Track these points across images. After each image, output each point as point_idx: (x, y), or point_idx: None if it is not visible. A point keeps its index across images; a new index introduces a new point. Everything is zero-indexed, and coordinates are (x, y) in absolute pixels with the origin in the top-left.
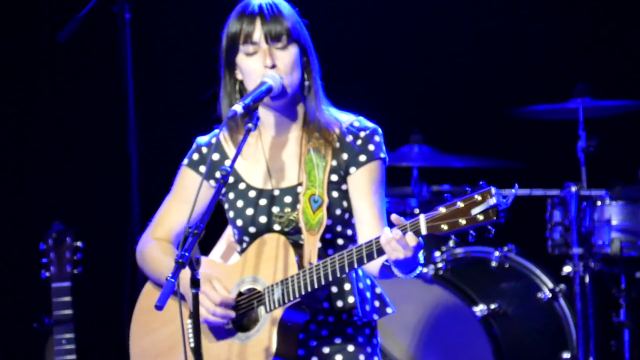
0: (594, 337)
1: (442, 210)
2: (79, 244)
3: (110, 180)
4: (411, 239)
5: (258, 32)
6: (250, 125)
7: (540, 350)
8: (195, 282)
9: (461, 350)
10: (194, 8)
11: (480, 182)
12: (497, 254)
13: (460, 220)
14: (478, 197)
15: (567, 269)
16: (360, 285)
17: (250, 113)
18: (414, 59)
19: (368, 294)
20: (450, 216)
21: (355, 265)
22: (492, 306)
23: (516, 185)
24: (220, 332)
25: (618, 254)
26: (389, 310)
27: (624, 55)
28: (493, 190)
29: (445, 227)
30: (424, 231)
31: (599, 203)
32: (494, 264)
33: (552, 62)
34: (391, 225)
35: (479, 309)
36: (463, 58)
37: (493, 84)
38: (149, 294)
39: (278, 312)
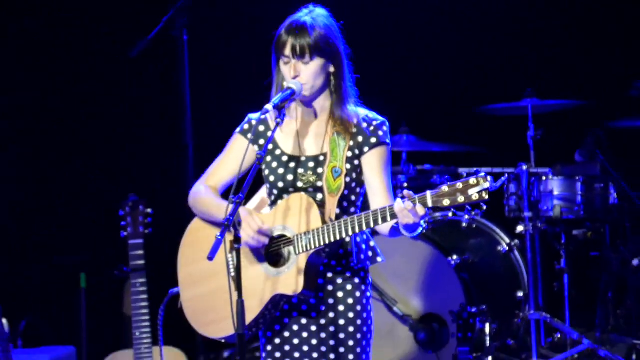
0: (541, 280)
1: (444, 188)
2: (149, 210)
3: (173, 163)
4: (420, 209)
5: (288, 48)
6: (278, 120)
7: (499, 291)
8: (237, 240)
9: (439, 291)
10: (241, 27)
11: (476, 169)
12: (466, 217)
13: (459, 198)
14: (474, 181)
15: (520, 228)
16: (358, 238)
17: (279, 110)
18: (402, 66)
19: (363, 246)
20: (451, 194)
21: (372, 225)
22: (463, 257)
23: (505, 175)
24: (256, 269)
25: (559, 217)
26: (379, 259)
27: (563, 65)
28: (488, 177)
29: (446, 202)
30: (429, 204)
31: (544, 178)
32: (464, 224)
33: (508, 71)
34: (402, 197)
35: (453, 259)
36: (441, 66)
37: (464, 87)
38: (193, 232)
39: (305, 256)
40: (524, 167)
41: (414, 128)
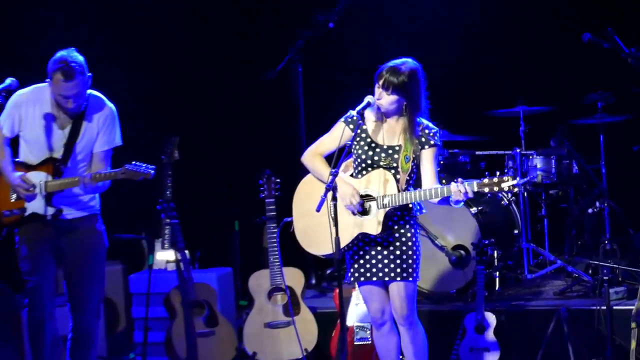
0: (530, 223)
1: (486, 181)
2: (278, 180)
3: (291, 149)
4: (470, 192)
5: (381, 80)
6: (360, 122)
7: (503, 229)
8: (335, 198)
9: (464, 230)
10: (338, 62)
11: (507, 171)
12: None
13: (495, 188)
14: (507, 178)
15: (515, 189)
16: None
17: (361, 115)
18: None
19: (417, 204)
20: (490, 185)
21: (433, 197)
22: (479, 208)
23: (527, 177)
24: (348, 215)
25: (540, 182)
26: (424, 211)
27: (542, 83)
28: (517, 178)
29: (486, 189)
30: (475, 189)
31: (530, 157)
32: None
33: (507, 85)
34: (456, 181)
35: (473, 209)
36: (461, 84)
37: (477, 97)
38: (305, 182)
39: (383, 211)
40: (517, 150)
41: (445, 124)
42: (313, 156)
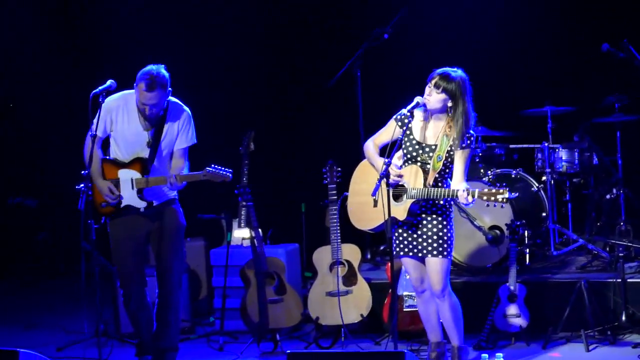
0: (555, 206)
1: (485, 190)
2: (339, 169)
3: (351, 141)
4: (470, 198)
5: (433, 81)
6: (408, 120)
7: (532, 212)
8: (388, 183)
9: (499, 212)
10: (389, 69)
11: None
12: (514, 171)
13: (492, 198)
14: (503, 191)
15: (543, 178)
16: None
17: (411, 113)
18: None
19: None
20: (488, 195)
21: (445, 196)
22: (513, 193)
23: (516, 193)
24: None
25: (565, 172)
26: (471, 206)
27: (567, 86)
28: (508, 192)
29: (484, 198)
30: (476, 196)
31: (556, 150)
32: (512, 175)
33: (538, 87)
34: (464, 190)
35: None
36: (499, 87)
37: (510, 98)
38: (361, 166)
39: (410, 201)
40: (546, 144)
41: (484, 122)
42: (371, 145)
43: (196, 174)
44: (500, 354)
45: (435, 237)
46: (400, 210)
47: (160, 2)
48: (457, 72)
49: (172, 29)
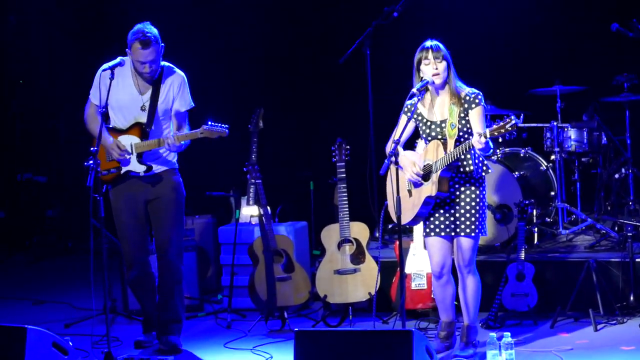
0: (564, 185)
1: (494, 127)
2: (347, 147)
3: (360, 122)
4: (483, 139)
5: (431, 54)
6: (419, 97)
7: (541, 191)
8: (397, 170)
9: (508, 191)
10: (396, 45)
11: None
12: (522, 150)
13: (502, 130)
14: (508, 120)
15: (552, 157)
16: (476, 161)
17: (421, 93)
18: (485, 63)
19: (480, 163)
20: (499, 129)
21: (465, 152)
22: (521, 172)
23: (522, 115)
24: (416, 183)
25: (574, 151)
26: (489, 171)
27: (576, 65)
28: (514, 119)
29: (496, 133)
30: (488, 135)
31: (565, 129)
32: (521, 155)
33: (547, 67)
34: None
35: (515, 173)
36: (509, 67)
37: (520, 77)
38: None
39: (437, 174)
40: (555, 123)
41: (494, 101)
42: (389, 144)
43: (193, 132)
44: (508, 333)
45: (469, 214)
46: (429, 187)
47: None
48: (437, 40)
49: (185, 8)
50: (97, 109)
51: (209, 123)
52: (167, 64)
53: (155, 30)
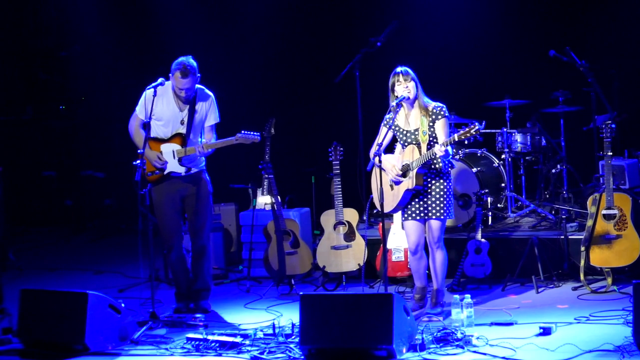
0: (512, 178)
1: (460, 132)
2: (341, 149)
3: (350, 130)
4: (442, 148)
5: (401, 77)
6: (396, 111)
7: (494, 183)
8: (380, 171)
9: (468, 183)
10: (378, 68)
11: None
12: (479, 151)
13: (468, 135)
14: (472, 126)
15: (503, 156)
16: (445, 160)
17: (398, 106)
18: (448, 78)
19: (446, 162)
20: (464, 134)
21: (431, 157)
22: (479, 168)
23: (483, 122)
24: (396, 181)
25: (520, 151)
26: (454, 167)
27: (520, 82)
28: (478, 125)
29: (463, 137)
30: (456, 139)
31: (514, 134)
32: (478, 154)
33: (497, 83)
34: (439, 144)
35: (474, 169)
36: (464, 83)
37: (474, 92)
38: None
39: (415, 170)
40: (505, 129)
41: (457, 111)
42: (373, 149)
43: (229, 140)
44: (468, 295)
45: (438, 202)
46: (408, 182)
47: (199, 8)
48: (405, 67)
49: (209, 38)
50: (141, 121)
51: (243, 132)
52: (199, 86)
53: (194, 63)
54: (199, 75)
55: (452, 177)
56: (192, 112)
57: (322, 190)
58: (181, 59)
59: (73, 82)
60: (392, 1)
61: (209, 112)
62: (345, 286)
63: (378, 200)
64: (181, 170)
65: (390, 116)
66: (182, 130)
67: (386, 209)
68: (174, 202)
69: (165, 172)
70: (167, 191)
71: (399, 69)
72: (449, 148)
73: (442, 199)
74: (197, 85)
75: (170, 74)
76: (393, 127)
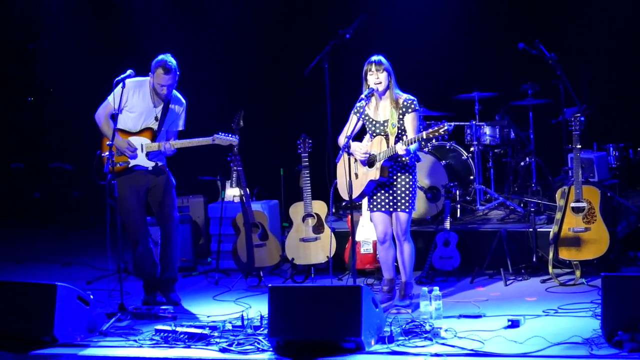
0: (481, 171)
1: (429, 130)
2: (310, 141)
3: (320, 122)
4: (403, 146)
5: (373, 66)
6: (367, 101)
7: (463, 176)
8: (349, 159)
9: (436, 176)
10: (346, 61)
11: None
12: (448, 143)
13: (436, 134)
14: (441, 126)
15: (471, 148)
16: (411, 154)
17: (368, 98)
18: (418, 70)
19: (412, 155)
20: (432, 133)
21: (393, 153)
22: (447, 161)
23: (453, 124)
24: (362, 169)
25: (489, 144)
26: (420, 160)
27: (490, 75)
28: (447, 125)
29: (431, 135)
30: (424, 137)
31: (482, 127)
32: (447, 147)
33: (467, 76)
34: (400, 141)
35: (443, 161)
36: (435, 76)
37: (444, 85)
38: (342, 162)
39: (380, 162)
40: (473, 122)
41: (426, 104)
42: (342, 139)
43: (205, 139)
44: (437, 288)
45: (404, 195)
46: (373, 173)
47: (167, 0)
48: (380, 55)
49: (178, 32)
50: (111, 111)
51: (220, 133)
52: (175, 92)
53: (174, 62)
54: (179, 72)
55: (421, 170)
56: (165, 111)
57: (291, 183)
58: (162, 56)
59: (41, 75)
60: None
61: (179, 116)
62: (314, 278)
63: (346, 190)
64: (149, 164)
65: (361, 104)
66: (154, 125)
67: (351, 195)
68: (138, 196)
69: (131, 165)
70: (131, 185)
71: (373, 58)
72: (413, 146)
73: (408, 192)
74: (174, 92)
75: (150, 72)
76: (363, 117)
